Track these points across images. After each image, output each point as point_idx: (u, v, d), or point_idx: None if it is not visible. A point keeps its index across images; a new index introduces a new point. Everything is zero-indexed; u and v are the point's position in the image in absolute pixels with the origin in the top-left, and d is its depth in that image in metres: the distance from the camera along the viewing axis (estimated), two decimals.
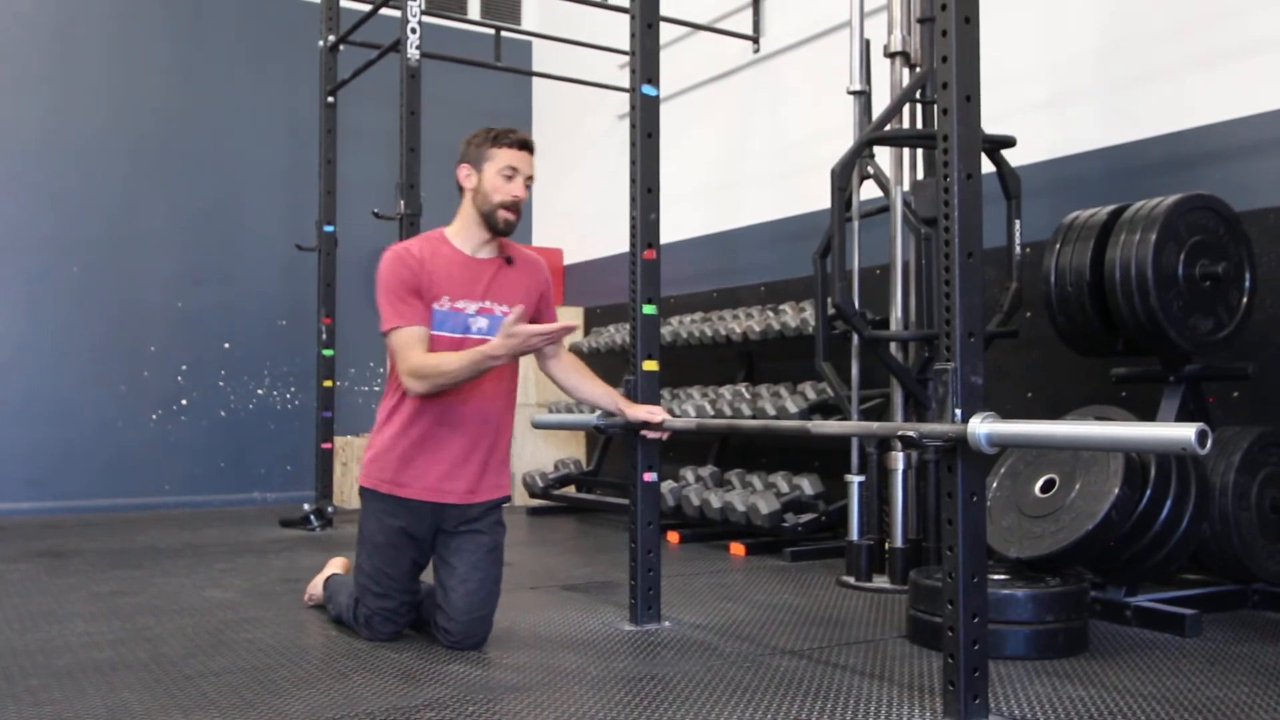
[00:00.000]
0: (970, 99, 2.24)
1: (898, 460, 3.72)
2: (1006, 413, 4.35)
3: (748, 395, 5.00)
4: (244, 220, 6.73)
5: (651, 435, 3.04)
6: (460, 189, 2.89)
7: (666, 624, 3.14)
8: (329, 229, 5.63)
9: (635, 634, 3.03)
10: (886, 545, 3.81)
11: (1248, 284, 3.25)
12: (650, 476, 3.14)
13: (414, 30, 4.63)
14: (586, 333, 6.80)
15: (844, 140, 4.14)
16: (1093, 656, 2.74)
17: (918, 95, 3.68)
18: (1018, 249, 3.73)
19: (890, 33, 3.88)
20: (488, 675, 2.56)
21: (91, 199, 6.35)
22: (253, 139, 6.76)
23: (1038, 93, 4.38)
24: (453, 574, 2.82)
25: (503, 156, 2.82)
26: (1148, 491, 2.96)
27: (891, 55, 3.87)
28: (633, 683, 2.47)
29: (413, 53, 4.63)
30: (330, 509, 5.48)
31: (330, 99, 5.63)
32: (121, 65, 6.48)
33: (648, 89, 3.14)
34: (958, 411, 2.15)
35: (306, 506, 5.43)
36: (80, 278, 6.30)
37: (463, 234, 2.90)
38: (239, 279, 6.70)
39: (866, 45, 4.04)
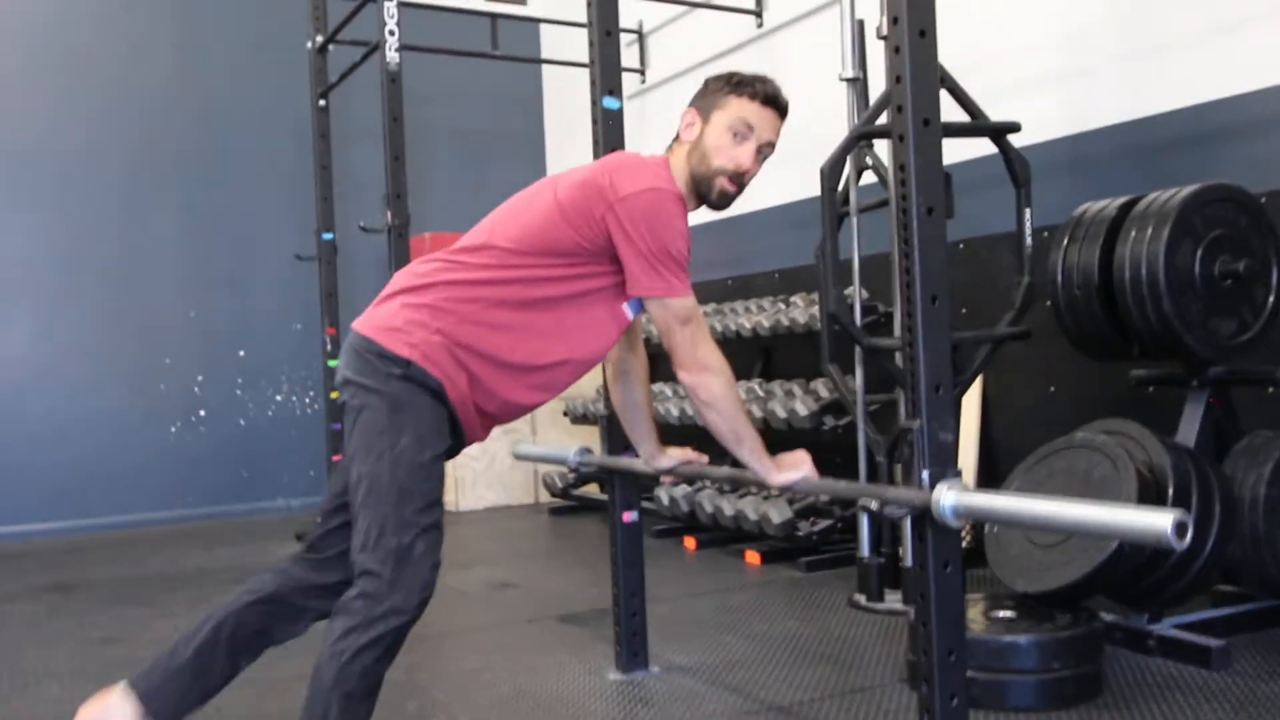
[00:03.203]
0: (929, 123, 1.99)
1: None
2: (1026, 409, 4.17)
3: (760, 393, 4.80)
4: (252, 225, 6.62)
5: (666, 480, 2.71)
6: (676, 134, 2.28)
7: (655, 670, 2.98)
8: (328, 236, 5.49)
9: (619, 686, 2.88)
10: (900, 561, 3.61)
11: (1275, 279, 2.96)
12: (630, 516, 2.96)
13: (392, 32, 4.44)
14: None
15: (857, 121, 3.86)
16: (1107, 704, 2.53)
17: None
18: (1028, 240, 3.47)
19: (882, 14, 3.60)
20: None
21: (98, 212, 6.27)
22: (259, 142, 6.63)
23: (1051, 64, 4.07)
24: None
25: (738, 108, 2.19)
26: None
27: (885, 37, 3.58)
28: None
29: (392, 55, 4.44)
30: None
31: (322, 102, 5.46)
32: (122, 71, 6.37)
33: (609, 101, 2.93)
34: (925, 475, 1.94)
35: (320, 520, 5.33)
36: (92, 294, 6.24)
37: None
38: (250, 286, 6.61)
39: (860, 26, 3.76)
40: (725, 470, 2.42)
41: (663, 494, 4.95)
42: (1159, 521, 1.51)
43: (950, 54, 3.51)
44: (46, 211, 6.17)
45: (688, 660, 3.08)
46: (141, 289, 6.37)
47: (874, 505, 1.99)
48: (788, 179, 5.46)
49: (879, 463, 3.66)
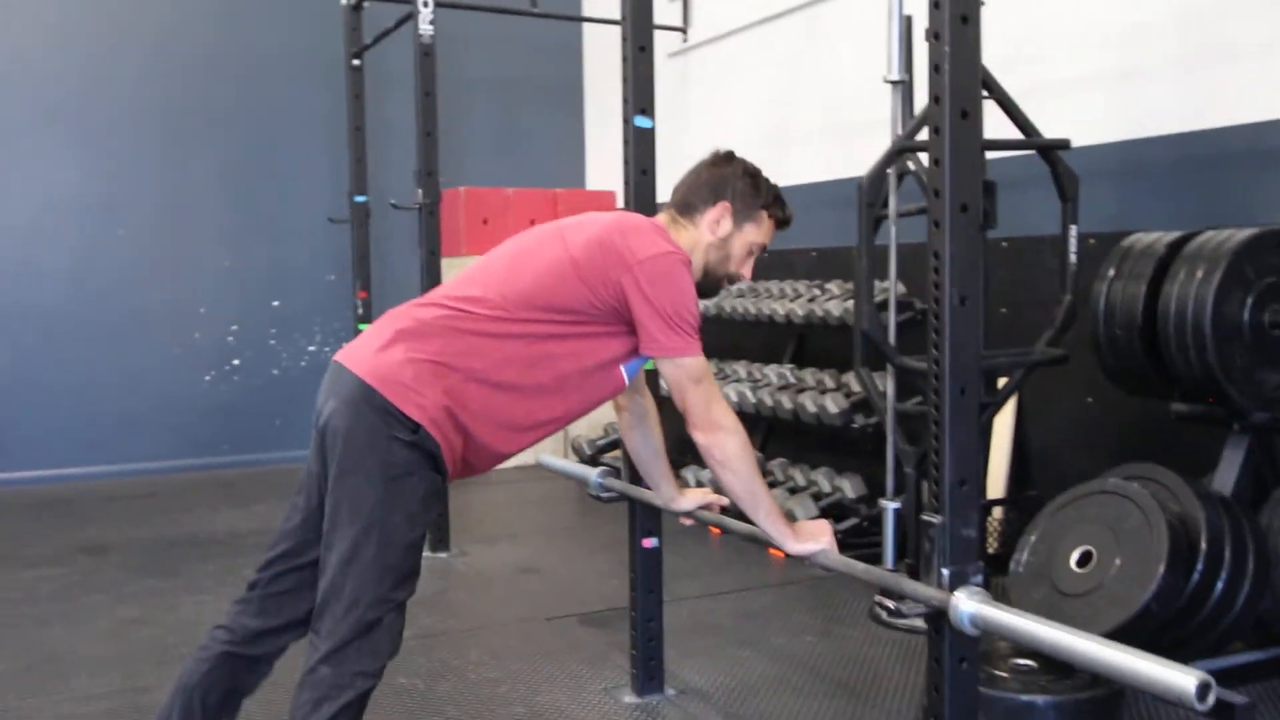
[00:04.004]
0: (967, 114, 1.89)
1: None
2: (1061, 419, 4.08)
3: (792, 380, 4.74)
4: (288, 178, 6.57)
5: (686, 521, 2.66)
6: (693, 210, 2.27)
7: (670, 693, 2.99)
8: (360, 199, 5.42)
9: (633, 709, 2.90)
10: None
11: None
12: (650, 543, 2.94)
13: (426, 3, 4.31)
14: None
15: None
16: None
17: None
18: (1073, 257, 3.37)
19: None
20: None
21: (133, 161, 6.24)
22: (297, 97, 6.54)
23: (1103, 63, 3.89)
24: None
25: (766, 230, 2.32)
26: (1195, 573, 2.66)
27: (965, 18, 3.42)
28: None
29: (425, 28, 4.32)
30: None
31: (356, 61, 5.35)
32: (163, 22, 6.28)
33: (641, 121, 2.84)
34: (945, 573, 1.90)
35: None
36: (129, 243, 6.25)
37: None
38: (284, 237, 6.59)
39: (908, 24, 3.61)
40: (745, 526, 2.38)
41: (690, 476, 4.93)
42: (1183, 682, 1.47)
43: (994, 46, 3.39)
44: (86, 160, 6.15)
45: (703, 682, 3.08)
46: (178, 239, 6.37)
47: (891, 604, 1.95)
48: (830, 155, 5.34)
49: (907, 474, 3.61)
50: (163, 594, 3.99)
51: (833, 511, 4.30)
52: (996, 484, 4.12)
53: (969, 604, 1.81)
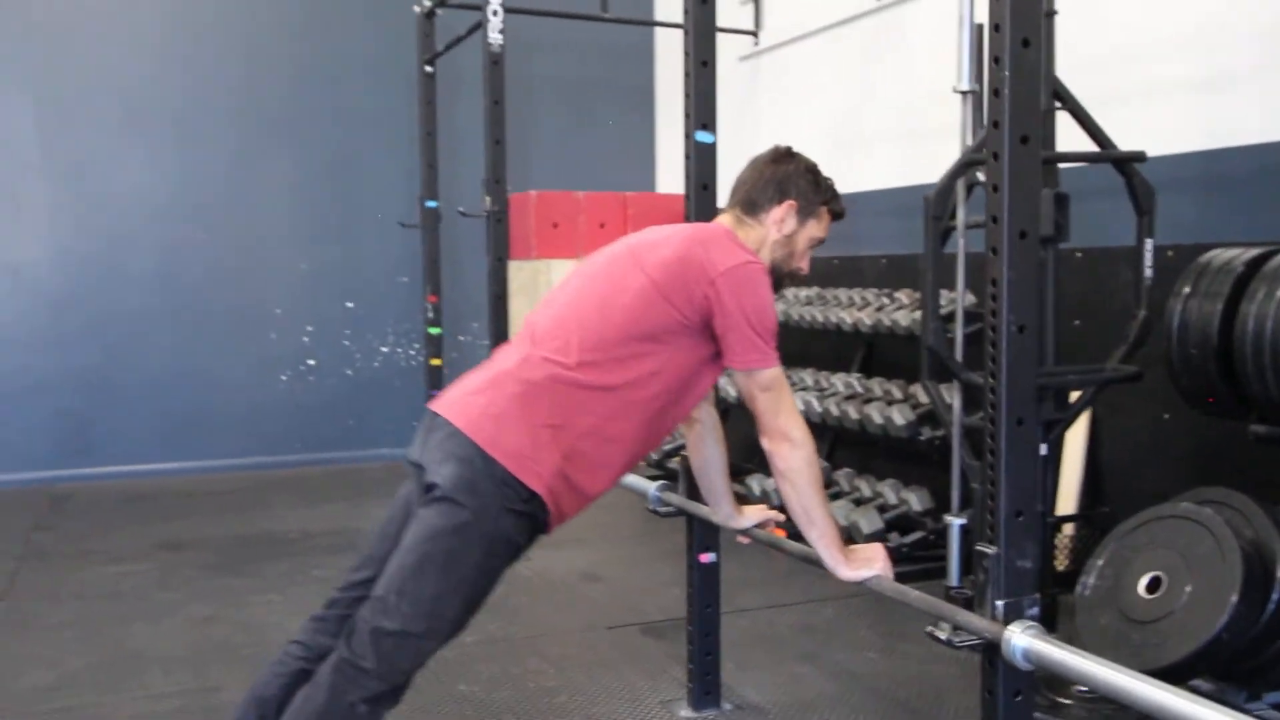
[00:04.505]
0: (1027, 140, 1.85)
1: None
2: (1136, 435, 3.97)
3: (860, 389, 4.70)
4: (361, 180, 6.68)
5: (743, 540, 2.65)
6: (758, 209, 2.29)
7: (726, 708, 2.98)
8: (431, 204, 5.50)
9: None
10: None
11: None
12: (708, 558, 2.94)
13: (495, 13, 4.35)
14: None
15: None
16: None
17: None
18: (1148, 272, 3.26)
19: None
20: None
21: (214, 166, 6.41)
22: (372, 101, 6.65)
23: (1184, 68, 3.78)
24: None
25: (825, 224, 2.35)
26: (1271, 602, 2.58)
27: (1026, 42, 3.36)
28: None
29: (495, 37, 4.36)
30: None
31: (429, 68, 5.42)
32: (238, 25, 6.44)
33: (703, 136, 2.83)
34: (999, 605, 1.86)
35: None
36: (207, 246, 6.42)
37: None
38: (358, 239, 6.70)
39: (979, 32, 3.53)
40: (800, 547, 2.37)
41: (754, 484, 4.91)
42: None
43: (1068, 50, 3.31)
44: (171, 165, 6.33)
45: (761, 698, 3.07)
46: (256, 241, 6.52)
47: (941, 634, 1.92)
48: (903, 161, 5.27)
49: (974, 489, 3.55)
50: (235, 593, 4.09)
51: (899, 524, 4.25)
52: (1068, 500, 4.03)
53: (1022, 638, 1.78)
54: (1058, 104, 3.28)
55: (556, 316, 2.15)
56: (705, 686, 2.96)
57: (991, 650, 1.87)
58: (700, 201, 2.85)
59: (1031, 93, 1.86)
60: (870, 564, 2.19)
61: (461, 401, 2.07)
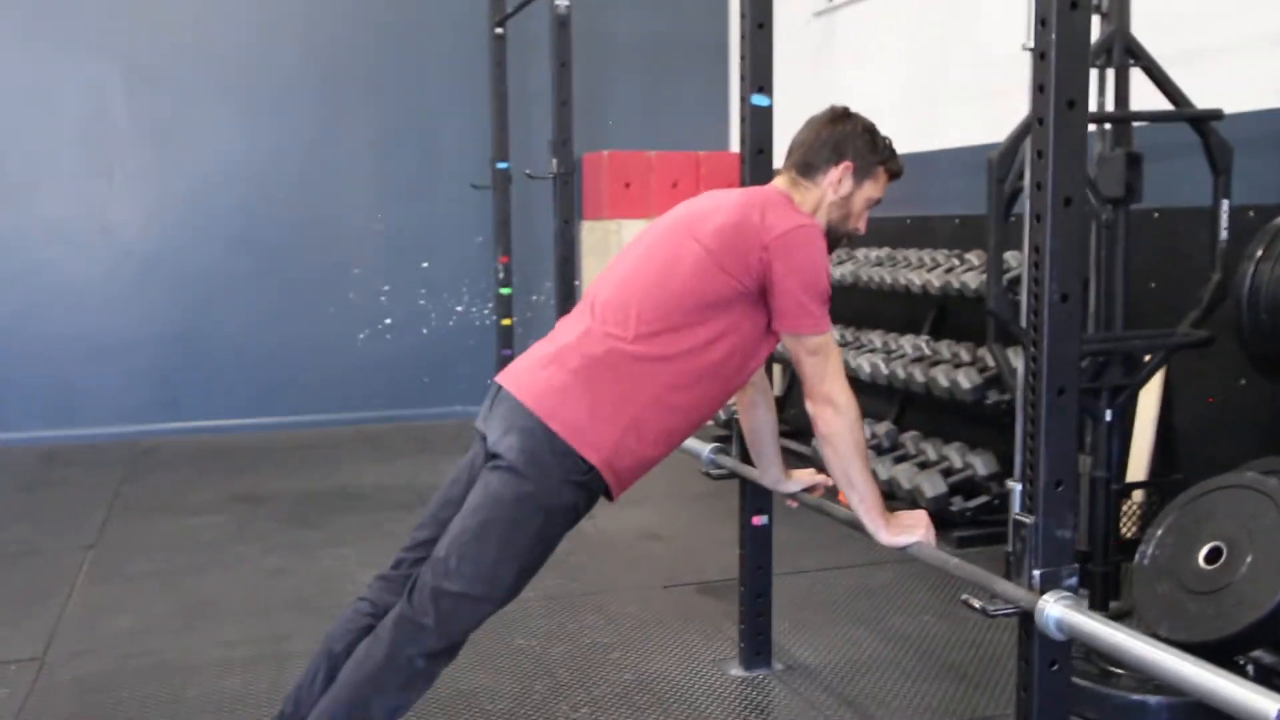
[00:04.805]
0: (1074, 105, 1.82)
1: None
2: (1212, 402, 3.85)
3: (928, 351, 4.64)
4: (436, 141, 6.74)
5: (791, 504, 2.69)
6: (814, 170, 2.27)
7: (778, 667, 3.01)
8: (502, 165, 5.54)
9: (738, 685, 2.93)
10: None
11: None
12: (760, 520, 2.96)
13: None
14: None
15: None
16: None
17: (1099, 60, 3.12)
18: (1224, 234, 3.16)
19: None
20: None
21: (293, 128, 6.52)
22: (445, 60, 6.67)
23: (1268, 27, 3.63)
24: None
25: (882, 184, 2.32)
26: None
27: (1074, 4, 3.26)
28: None
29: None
30: None
31: (499, 29, 5.45)
32: None
33: (759, 99, 2.80)
34: (1035, 575, 1.85)
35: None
36: (286, 206, 6.54)
37: None
38: (433, 199, 6.78)
39: None
40: (845, 513, 2.37)
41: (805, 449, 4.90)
42: (1265, 706, 1.40)
43: (1144, 7, 3.20)
44: (252, 128, 6.45)
45: (813, 658, 3.09)
46: (331, 202, 6.63)
47: (976, 603, 1.91)
48: (979, 118, 5.15)
49: None
50: (307, 545, 4.22)
51: (963, 488, 4.21)
52: (1139, 466, 3.95)
53: (1056, 608, 1.77)
54: (1132, 61, 3.18)
55: (616, 289, 2.18)
56: (756, 646, 2.98)
57: (1027, 620, 1.86)
58: (755, 166, 2.83)
59: (1079, 56, 1.81)
60: (912, 530, 2.18)
61: (526, 374, 2.13)
